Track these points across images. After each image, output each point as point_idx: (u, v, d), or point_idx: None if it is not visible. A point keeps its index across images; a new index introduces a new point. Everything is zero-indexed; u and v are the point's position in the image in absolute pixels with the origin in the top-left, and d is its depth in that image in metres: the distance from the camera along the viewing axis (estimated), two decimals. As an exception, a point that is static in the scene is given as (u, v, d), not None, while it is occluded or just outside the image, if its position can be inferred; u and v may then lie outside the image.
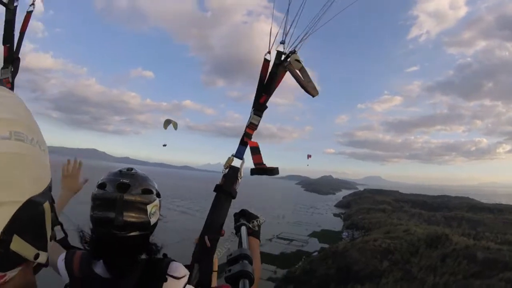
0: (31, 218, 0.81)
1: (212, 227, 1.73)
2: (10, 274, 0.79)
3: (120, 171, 1.88)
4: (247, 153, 1.99)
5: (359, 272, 57.71)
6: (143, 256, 1.89)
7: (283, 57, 1.93)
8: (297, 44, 1.92)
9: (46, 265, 0.93)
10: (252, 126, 1.96)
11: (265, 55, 1.96)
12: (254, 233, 2.04)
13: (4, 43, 2.34)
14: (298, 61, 1.89)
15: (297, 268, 66.79)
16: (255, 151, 1.94)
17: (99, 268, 1.83)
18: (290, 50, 1.93)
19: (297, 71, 1.90)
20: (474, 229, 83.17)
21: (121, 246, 1.76)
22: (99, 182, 1.83)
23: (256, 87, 1.99)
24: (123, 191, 1.74)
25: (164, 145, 34.48)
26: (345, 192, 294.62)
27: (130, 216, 1.73)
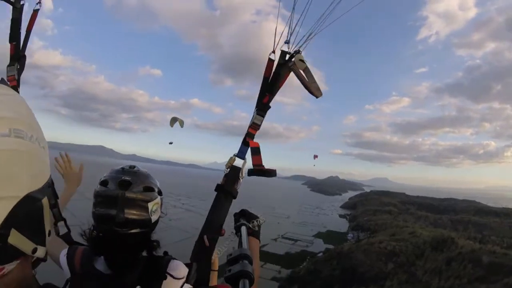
0: (29, 213, 0.82)
1: (212, 227, 1.72)
2: (8, 267, 0.81)
3: (123, 168, 1.90)
4: (249, 153, 1.99)
5: (364, 274, 57.43)
6: (144, 254, 1.91)
7: (287, 57, 1.91)
8: (302, 44, 1.89)
9: (44, 259, 0.95)
10: (254, 126, 1.94)
11: (270, 54, 1.94)
12: (254, 233, 2.04)
13: (10, 41, 2.35)
14: (302, 61, 1.86)
15: (302, 269, 66.56)
16: (256, 152, 1.92)
17: (100, 265, 1.84)
18: (294, 50, 1.90)
19: (301, 72, 1.87)
20: (480, 232, 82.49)
21: (122, 243, 1.77)
22: (101, 179, 1.85)
23: (260, 86, 1.97)
24: (124, 189, 1.76)
25: (171, 143, 34.57)
26: (351, 193, 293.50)
27: (131, 214, 1.75)
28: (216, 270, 2.10)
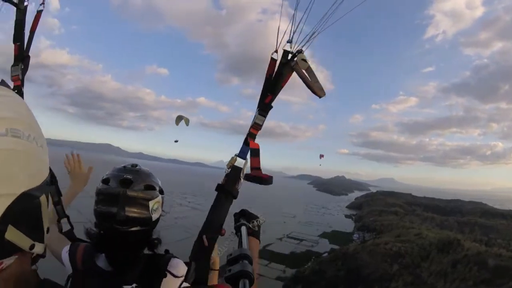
0: (26, 210, 0.84)
1: (211, 227, 1.69)
2: (7, 262, 0.83)
3: (124, 167, 1.93)
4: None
5: (369, 275, 57.24)
6: (145, 251, 1.95)
7: (289, 56, 1.87)
8: (305, 44, 1.88)
9: (43, 256, 0.97)
10: (256, 126, 1.90)
11: (272, 54, 1.89)
12: (254, 233, 2.05)
13: (14, 41, 2.37)
14: (304, 60, 1.84)
15: (306, 268, 66.47)
16: (255, 153, 1.89)
17: (101, 262, 1.87)
18: (297, 49, 1.87)
19: (304, 71, 1.85)
20: (487, 235, 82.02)
21: (122, 240, 1.81)
22: (104, 177, 1.89)
23: (262, 86, 1.95)
24: (126, 187, 1.80)
25: (176, 141, 34.65)
26: (357, 193, 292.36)
27: (132, 212, 1.78)
28: (217, 270, 2.13)
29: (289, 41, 1.86)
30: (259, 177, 1.85)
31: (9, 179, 0.79)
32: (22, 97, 2.25)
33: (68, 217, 2.04)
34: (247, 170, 1.88)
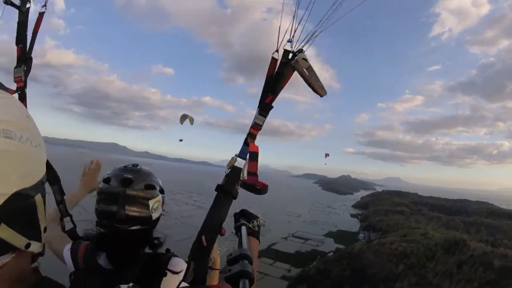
0: (20, 209, 0.85)
1: (210, 227, 1.68)
2: (3, 260, 0.84)
3: (125, 166, 1.96)
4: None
5: (374, 275, 57.12)
6: (148, 251, 1.96)
7: (290, 55, 1.85)
8: (305, 43, 1.85)
9: (42, 254, 0.99)
10: (256, 127, 1.89)
11: (273, 53, 1.86)
12: (254, 233, 2.05)
13: (17, 43, 2.39)
14: (305, 60, 1.81)
15: (312, 268, 66.47)
16: (253, 157, 1.88)
17: (102, 260, 1.90)
18: (298, 48, 1.85)
19: (305, 70, 1.82)
20: (493, 235, 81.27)
21: (123, 239, 1.83)
22: (105, 177, 1.92)
23: (263, 86, 1.92)
24: (126, 186, 1.82)
25: (181, 140, 34.82)
26: (363, 193, 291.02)
27: (132, 210, 1.80)
28: (217, 269, 2.16)
29: (290, 41, 1.85)
30: (253, 186, 1.82)
31: (1, 179, 0.80)
32: (25, 98, 2.35)
33: (71, 216, 2.07)
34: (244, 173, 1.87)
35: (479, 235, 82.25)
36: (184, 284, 1.60)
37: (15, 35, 2.42)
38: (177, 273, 1.86)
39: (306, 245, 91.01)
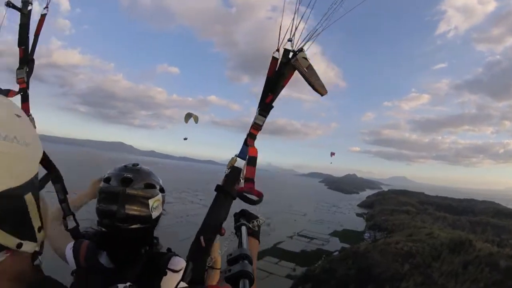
0: (8, 209, 0.84)
1: (209, 227, 1.71)
2: None
3: (125, 166, 1.98)
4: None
5: (379, 274, 57.07)
6: (148, 249, 1.98)
7: (290, 55, 1.84)
8: (306, 42, 1.85)
9: (40, 253, 0.99)
10: (256, 127, 1.89)
11: (274, 53, 1.87)
12: (253, 233, 2.02)
13: (19, 45, 2.41)
14: (305, 59, 1.82)
15: (317, 267, 66.59)
16: (252, 162, 1.88)
17: (103, 259, 1.92)
18: (298, 47, 1.84)
19: (305, 69, 1.82)
20: (499, 236, 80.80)
21: (123, 238, 1.86)
22: (105, 176, 1.95)
23: (263, 86, 1.92)
24: (125, 185, 1.85)
25: (185, 139, 34.86)
26: (369, 192, 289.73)
27: (132, 210, 1.83)
28: (218, 269, 2.13)
29: (290, 40, 1.85)
30: (247, 197, 1.85)
31: None
32: (28, 99, 2.39)
33: (73, 215, 2.15)
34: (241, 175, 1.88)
35: (485, 235, 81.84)
36: (183, 284, 1.60)
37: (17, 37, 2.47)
38: (177, 272, 1.87)
39: (311, 244, 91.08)
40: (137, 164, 2.03)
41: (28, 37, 2.44)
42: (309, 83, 1.80)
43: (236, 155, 1.88)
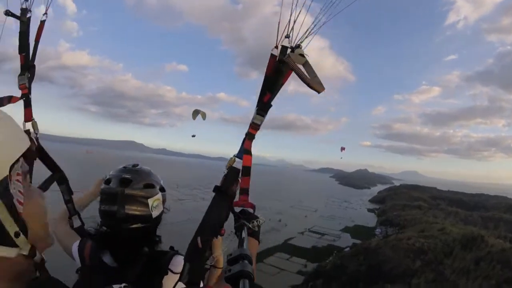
0: None
1: (207, 228, 1.70)
2: None
3: (125, 167, 2.02)
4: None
5: (391, 270, 56.82)
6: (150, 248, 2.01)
7: (288, 51, 1.79)
8: (304, 38, 1.81)
9: (33, 255, 0.98)
10: (255, 127, 1.85)
11: (272, 50, 1.81)
12: (253, 233, 2.00)
13: (20, 52, 2.44)
14: (302, 55, 1.76)
15: (328, 263, 66.49)
16: (246, 172, 1.85)
17: (107, 258, 1.93)
18: (296, 44, 1.80)
19: (301, 66, 1.76)
20: (511, 231, 79.63)
21: (124, 237, 1.90)
22: (106, 178, 1.99)
23: (262, 84, 1.87)
24: (124, 186, 1.89)
25: (193, 136, 35.03)
26: (380, 187, 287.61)
27: (132, 209, 1.86)
28: (220, 268, 2.17)
29: (288, 36, 1.82)
30: (239, 214, 1.92)
31: None
32: (30, 104, 2.43)
33: (79, 214, 2.36)
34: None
35: (498, 231, 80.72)
36: (181, 284, 1.63)
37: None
38: (178, 272, 1.81)
39: (322, 240, 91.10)
40: (137, 165, 2.06)
41: (28, 43, 2.47)
42: (303, 81, 1.73)
43: (234, 155, 1.87)
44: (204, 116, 29.53)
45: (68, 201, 2.28)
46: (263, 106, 1.84)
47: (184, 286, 1.59)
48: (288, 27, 1.80)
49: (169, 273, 1.86)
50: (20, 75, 2.44)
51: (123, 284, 1.65)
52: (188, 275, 1.59)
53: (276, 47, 1.80)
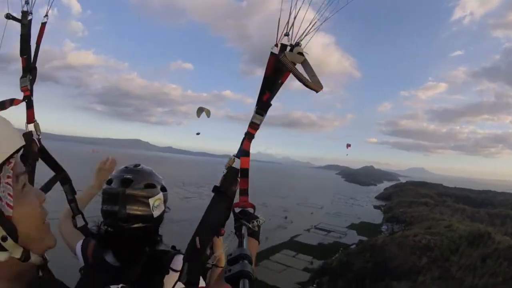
0: None
1: (205, 228, 1.71)
2: None
3: (126, 167, 2.03)
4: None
5: (397, 268, 56.77)
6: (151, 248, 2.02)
7: (288, 49, 1.73)
8: (304, 36, 1.75)
9: (26, 258, 0.97)
10: (254, 126, 1.82)
11: (272, 48, 1.75)
12: (253, 233, 1.97)
13: (21, 54, 2.43)
14: (301, 54, 1.71)
15: (334, 260, 66.57)
16: (244, 174, 1.84)
17: (109, 257, 1.95)
18: (295, 41, 1.75)
19: (296, 64, 1.69)
20: (518, 228, 79.07)
21: (126, 237, 1.90)
22: (108, 178, 2.02)
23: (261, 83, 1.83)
24: (125, 186, 1.90)
25: (198, 134, 35.01)
26: (386, 184, 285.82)
27: (133, 209, 1.87)
28: (222, 267, 2.19)
29: (287, 34, 1.77)
30: (239, 215, 1.91)
31: None
32: (32, 106, 2.41)
33: (82, 214, 2.39)
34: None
35: (504, 228, 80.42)
36: (180, 284, 1.64)
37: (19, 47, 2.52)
38: (176, 270, 1.87)
39: (328, 237, 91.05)
40: (139, 165, 2.07)
41: (29, 46, 2.45)
42: (300, 81, 1.67)
43: (233, 155, 1.85)
44: (208, 113, 29.44)
45: (71, 200, 2.32)
46: (262, 106, 1.81)
47: (183, 286, 1.60)
48: (288, 25, 1.76)
49: (171, 272, 1.86)
50: (21, 77, 2.43)
51: (120, 285, 1.67)
52: (187, 275, 1.60)
53: (276, 45, 1.75)
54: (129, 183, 1.91)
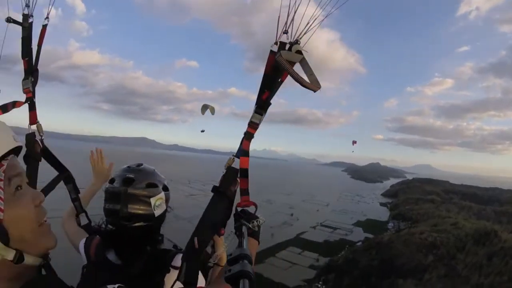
0: None
1: (204, 228, 1.71)
2: None
3: (129, 166, 2.06)
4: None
5: (403, 265, 56.56)
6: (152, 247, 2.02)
7: (287, 47, 1.72)
8: (304, 33, 1.73)
9: (20, 260, 0.96)
10: (253, 125, 1.81)
11: (272, 46, 1.74)
12: (253, 233, 2.00)
13: (23, 57, 2.45)
14: (299, 52, 1.69)
15: (340, 257, 66.41)
16: (244, 174, 1.83)
17: (112, 256, 1.97)
18: (295, 39, 1.73)
19: (287, 65, 1.65)
20: (525, 226, 78.31)
21: (127, 236, 1.93)
22: (111, 177, 2.05)
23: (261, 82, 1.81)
24: (127, 185, 1.93)
25: (202, 131, 35.03)
26: (393, 181, 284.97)
27: (135, 208, 1.90)
28: (223, 266, 2.15)
29: (285, 32, 1.74)
30: (241, 215, 1.92)
31: None
32: (35, 108, 2.42)
33: (86, 212, 2.43)
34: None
35: (511, 225, 79.55)
36: (179, 284, 1.64)
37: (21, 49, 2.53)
38: (178, 268, 1.82)
39: (334, 234, 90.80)
40: (141, 164, 2.10)
41: (31, 48, 2.48)
42: (297, 80, 1.65)
43: (233, 155, 1.85)
44: (213, 110, 29.40)
45: (75, 199, 2.38)
46: (262, 104, 1.80)
47: (182, 286, 1.60)
48: (287, 22, 1.74)
49: (171, 271, 1.87)
50: (23, 79, 2.46)
51: (117, 285, 1.65)
52: (185, 275, 1.60)
53: (276, 43, 1.75)
54: (131, 182, 1.94)
